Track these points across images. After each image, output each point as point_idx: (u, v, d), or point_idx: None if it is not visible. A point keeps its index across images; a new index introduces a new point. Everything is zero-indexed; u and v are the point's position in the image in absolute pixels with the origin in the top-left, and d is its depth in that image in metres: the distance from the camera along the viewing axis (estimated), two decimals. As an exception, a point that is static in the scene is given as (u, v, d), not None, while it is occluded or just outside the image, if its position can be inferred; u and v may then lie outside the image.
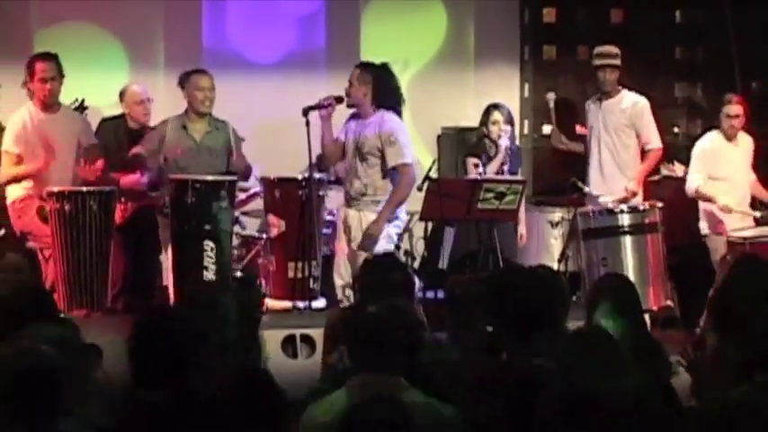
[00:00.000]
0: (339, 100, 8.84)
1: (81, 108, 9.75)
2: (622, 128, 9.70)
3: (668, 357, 6.09)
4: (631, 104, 9.74)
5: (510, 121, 9.76)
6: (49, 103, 9.21)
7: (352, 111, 8.93)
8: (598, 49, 9.89)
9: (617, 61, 9.73)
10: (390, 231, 8.77)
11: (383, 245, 8.65)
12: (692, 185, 9.86)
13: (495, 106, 9.80)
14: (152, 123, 9.87)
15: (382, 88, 8.75)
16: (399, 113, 8.85)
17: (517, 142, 10.21)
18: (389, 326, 4.82)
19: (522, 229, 9.71)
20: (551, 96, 10.11)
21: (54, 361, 4.15)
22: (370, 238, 8.59)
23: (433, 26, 11.80)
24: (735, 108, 9.84)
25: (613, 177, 9.69)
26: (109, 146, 9.58)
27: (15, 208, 9.19)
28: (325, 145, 8.92)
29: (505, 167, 9.61)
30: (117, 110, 10.18)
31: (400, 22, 11.64)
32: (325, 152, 9.02)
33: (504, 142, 9.58)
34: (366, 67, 8.92)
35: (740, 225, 9.86)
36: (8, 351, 4.21)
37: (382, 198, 8.71)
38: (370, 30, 11.62)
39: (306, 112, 8.83)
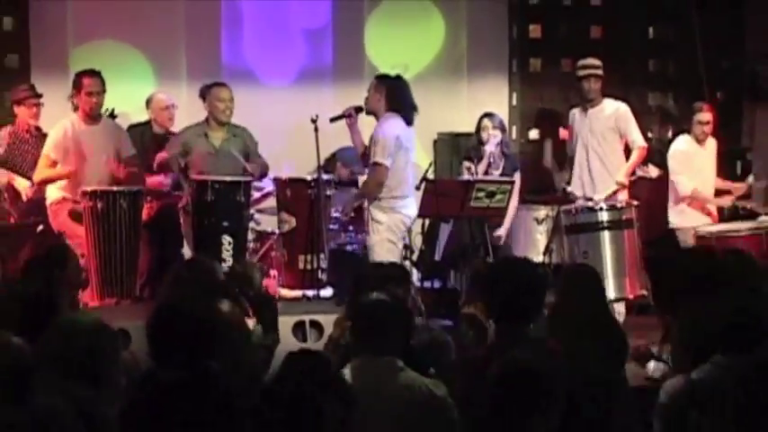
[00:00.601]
0: (359, 110, 8.94)
1: (111, 117, 9.70)
2: (608, 132, 9.68)
3: (626, 339, 6.13)
4: (614, 110, 9.72)
5: (501, 128, 9.72)
6: (93, 115, 9.22)
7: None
8: (582, 62, 9.87)
9: (600, 72, 9.72)
10: (388, 236, 8.79)
11: (379, 251, 8.67)
12: (687, 188, 9.98)
13: (486, 115, 9.77)
14: (174, 129, 9.90)
15: (395, 96, 8.81)
16: (408, 119, 8.86)
17: (510, 148, 10.18)
18: (387, 313, 4.83)
19: (501, 231, 9.61)
20: (534, 134, 10.13)
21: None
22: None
23: (432, 38, 11.76)
24: (705, 115, 9.98)
25: (602, 178, 9.67)
26: (135, 147, 9.56)
27: (52, 209, 9.18)
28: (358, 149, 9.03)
29: (494, 170, 9.56)
30: (143, 117, 10.18)
31: (401, 35, 11.62)
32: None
33: (489, 147, 9.54)
34: (382, 78, 9.04)
35: (704, 221, 9.98)
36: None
37: (384, 195, 8.75)
38: (372, 44, 11.58)
39: (332, 120, 8.98)
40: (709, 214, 10.05)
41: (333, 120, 8.97)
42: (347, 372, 4.62)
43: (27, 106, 9.57)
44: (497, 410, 4.02)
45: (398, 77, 9.00)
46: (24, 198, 9.33)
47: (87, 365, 4.45)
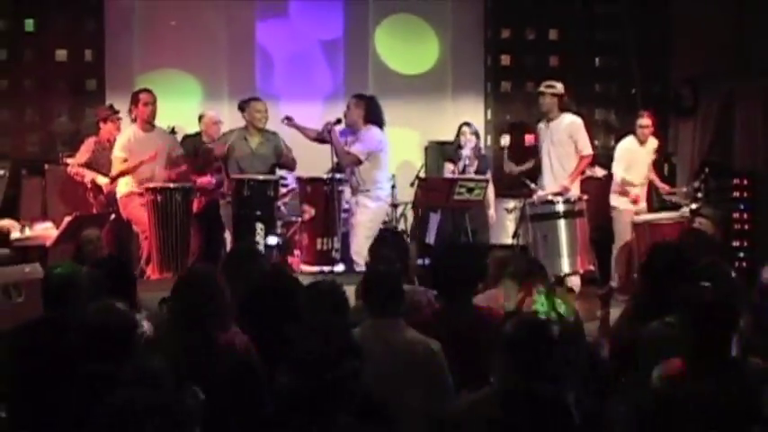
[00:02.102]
0: (338, 122, 8.85)
1: (172, 132, 9.71)
2: (565, 140, 9.50)
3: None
4: (570, 122, 9.54)
5: (476, 134, 9.73)
6: (149, 122, 9.15)
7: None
8: (544, 83, 9.73)
9: (552, 90, 9.49)
10: (372, 217, 8.86)
11: (363, 228, 8.75)
12: (618, 175, 9.95)
13: (465, 123, 9.76)
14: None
15: (371, 111, 8.85)
16: (382, 129, 8.90)
17: (483, 151, 10.12)
18: (395, 282, 4.77)
19: (491, 212, 9.66)
20: (505, 140, 9.99)
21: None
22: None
23: (428, 54, 11.76)
24: (645, 120, 9.97)
25: (561, 177, 9.46)
26: (189, 155, 9.52)
27: (121, 201, 9.13)
28: (338, 154, 8.84)
29: (470, 168, 9.47)
30: (193, 128, 10.08)
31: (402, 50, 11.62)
32: (340, 160, 8.94)
33: (465, 151, 9.49)
34: (361, 97, 9.05)
35: (638, 208, 9.93)
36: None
37: (371, 188, 8.81)
38: (376, 66, 11.52)
39: (320, 134, 8.91)
40: (635, 201, 9.92)
41: (320, 134, 8.92)
42: (358, 330, 4.56)
43: (112, 121, 9.54)
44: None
45: (372, 97, 9.07)
46: (104, 191, 9.24)
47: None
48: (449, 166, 9.69)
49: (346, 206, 9.21)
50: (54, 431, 3.88)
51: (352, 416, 3.47)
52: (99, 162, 9.31)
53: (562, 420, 3.67)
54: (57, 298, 4.96)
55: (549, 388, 3.73)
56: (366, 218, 8.81)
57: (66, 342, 4.19)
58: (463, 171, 9.40)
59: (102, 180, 9.24)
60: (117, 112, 9.59)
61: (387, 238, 7.01)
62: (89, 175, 9.28)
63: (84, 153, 9.38)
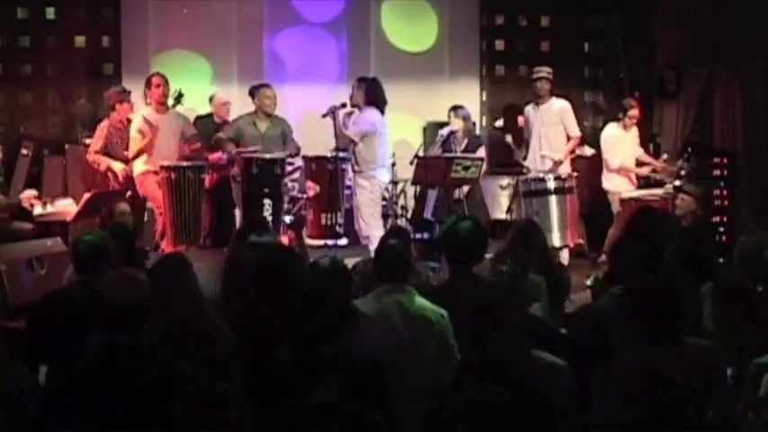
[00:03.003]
0: (342, 105, 8.80)
1: (179, 96, 9.71)
2: (555, 123, 9.59)
3: (567, 276, 6.14)
4: (560, 106, 9.64)
5: (462, 117, 9.51)
6: (162, 103, 9.19)
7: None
8: (537, 68, 9.82)
9: (550, 76, 9.64)
10: (370, 196, 8.76)
11: (365, 207, 8.70)
12: (616, 163, 9.91)
13: (452, 108, 9.61)
14: (229, 119, 9.85)
15: (372, 93, 8.72)
16: (382, 110, 8.78)
17: (478, 131, 10.10)
18: (406, 252, 4.89)
19: (460, 193, 9.20)
20: (500, 122, 9.95)
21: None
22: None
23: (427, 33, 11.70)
24: (635, 111, 9.97)
25: (549, 157, 9.51)
26: (201, 134, 9.50)
27: (138, 180, 9.12)
28: (337, 136, 8.77)
29: (457, 146, 9.32)
30: (206, 109, 10.03)
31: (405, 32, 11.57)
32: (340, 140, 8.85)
33: (442, 130, 9.40)
34: (362, 80, 8.94)
35: (628, 187, 9.92)
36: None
37: (365, 168, 8.71)
38: (377, 50, 11.45)
39: (324, 116, 8.75)
40: (630, 181, 9.99)
41: (324, 116, 8.75)
42: (372, 295, 4.67)
43: (127, 102, 9.44)
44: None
45: (374, 79, 8.94)
46: (121, 177, 9.17)
47: None
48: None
49: (349, 183, 9.18)
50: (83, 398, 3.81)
51: (341, 390, 3.40)
52: (114, 144, 9.26)
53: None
54: (86, 264, 5.05)
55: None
56: (365, 198, 8.75)
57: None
58: (448, 150, 9.29)
59: (118, 167, 9.19)
60: (128, 93, 9.50)
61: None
62: (104, 163, 9.21)
63: (98, 139, 9.27)
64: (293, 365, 3.53)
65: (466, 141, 9.45)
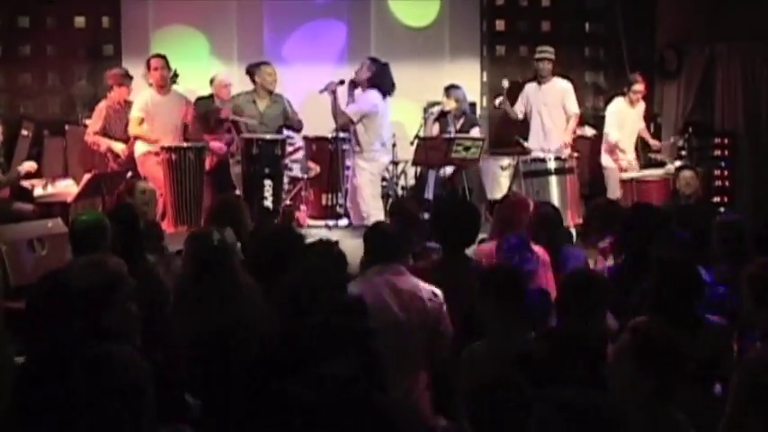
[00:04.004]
0: (341, 83, 8.78)
1: (174, 76, 9.60)
2: (557, 103, 9.67)
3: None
4: (562, 86, 9.76)
5: (455, 98, 9.48)
6: (163, 86, 9.25)
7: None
8: (540, 47, 9.88)
9: (552, 56, 9.73)
10: (370, 178, 8.83)
11: (365, 187, 8.76)
12: (613, 138, 9.94)
13: (446, 87, 9.61)
14: (229, 100, 9.81)
15: (377, 76, 8.71)
16: (385, 94, 8.77)
17: (478, 112, 10.10)
18: (392, 232, 4.94)
19: (446, 171, 9.32)
20: (500, 100, 9.96)
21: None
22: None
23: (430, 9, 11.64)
24: (640, 86, 10.03)
25: (551, 135, 9.65)
26: (201, 116, 9.49)
27: (139, 160, 9.20)
28: (335, 114, 8.74)
29: (450, 127, 9.31)
30: (206, 90, 10.00)
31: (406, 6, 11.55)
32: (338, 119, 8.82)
33: (432, 109, 9.43)
34: (374, 61, 8.89)
35: (626, 164, 9.96)
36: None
37: (366, 149, 8.77)
38: (378, 30, 11.41)
39: (321, 92, 8.72)
40: (625, 169, 9.90)
41: (321, 91, 8.73)
42: (366, 275, 4.69)
43: (125, 86, 9.45)
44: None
45: (386, 63, 8.86)
46: (122, 156, 9.24)
47: None
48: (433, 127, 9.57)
49: (349, 164, 9.17)
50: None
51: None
52: (113, 124, 9.32)
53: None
54: (83, 245, 5.01)
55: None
56: (365, 179, 8.80)
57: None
58: (444, 131, 9.27)
59: (119, 147, 9.25)
60: (130, 78, 9.52)
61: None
62: (104, 144, 9.27)
63: (97, 120, 9.33)
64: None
65: (462, 121, 9.45)
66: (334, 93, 8.65)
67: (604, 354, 3.70)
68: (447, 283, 4.74)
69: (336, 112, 8.68)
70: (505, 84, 9.94)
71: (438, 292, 4.65)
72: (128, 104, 9.40)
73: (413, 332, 4.52)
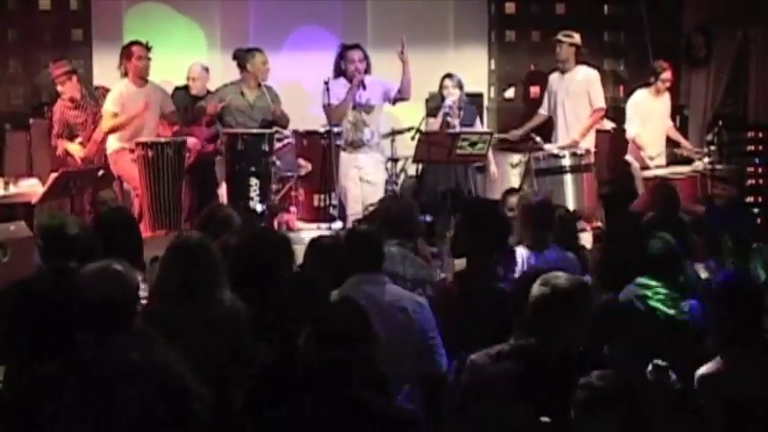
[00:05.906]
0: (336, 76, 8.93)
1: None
2: (581, 93, 9.65)
3: None
4: (585, 75, 9.72)
5: (459, 86, 9.43)
6: (142, 77, 9.22)
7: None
8: (562, 32, 9.81)
9: (572, 40, 9.70)
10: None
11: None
12: (631, 133, 9.89)
13: (447, 75, 9.54)
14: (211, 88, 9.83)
15: (337, 63, 8.97)
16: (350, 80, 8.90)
17: (486, 103, 10.08)
18: (372, 239, 4.93)
19: (492, 167, 9.47)
20: (510, 93, 9.97)
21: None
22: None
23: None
24: (668, 74, 9.91)
25: (574, 127, 9.62)
26: (179, 108, 9.58)
27: (112, 157, 9.19)
28: (328, 112, 8.81)
29: (454, 119, 9.24)
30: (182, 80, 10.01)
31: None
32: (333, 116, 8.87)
33: (447, 102, 9.29)
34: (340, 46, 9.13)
35: (654, 163, 9.88)
36: None
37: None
38: (375, 19, 11.38)
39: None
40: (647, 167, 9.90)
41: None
42: (344, 287, 4.69)
43: (73, 79, 9.41)
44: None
45: (348, 46, 9.01)
46: (78, 161, 9.26)
47: None
48: (431, 121, 9.48)
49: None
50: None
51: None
52: (73, 122, 9.34)
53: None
54: (49, 250, 5.01)
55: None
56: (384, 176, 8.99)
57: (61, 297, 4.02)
58: (447, 125, 9.23)
59: (74, 148, 9.28)
60: (74, 71, 9.48)
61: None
62: (61, 146, 9.31)
63: (56, 123, 9.37)
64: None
65: (462, 113, 9.41)
66: (327, 86, 8.71)
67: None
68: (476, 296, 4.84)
69: (335, 108, 8.77)
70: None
71: (423, 301, 4.72)
72: (83, 98, 9.40)
73: (398, 346, 4.48)
